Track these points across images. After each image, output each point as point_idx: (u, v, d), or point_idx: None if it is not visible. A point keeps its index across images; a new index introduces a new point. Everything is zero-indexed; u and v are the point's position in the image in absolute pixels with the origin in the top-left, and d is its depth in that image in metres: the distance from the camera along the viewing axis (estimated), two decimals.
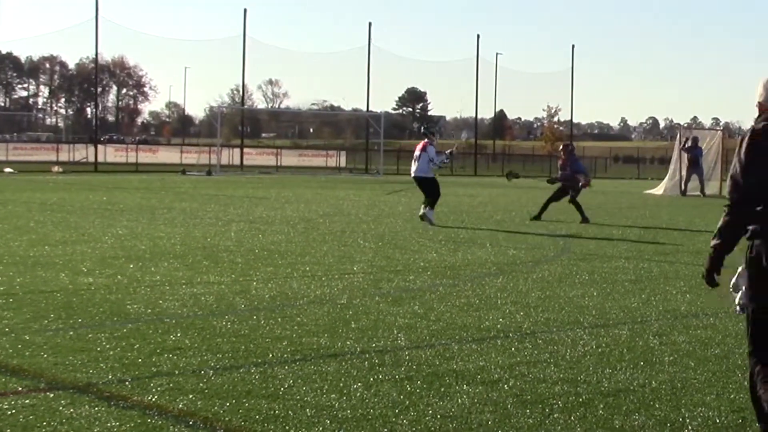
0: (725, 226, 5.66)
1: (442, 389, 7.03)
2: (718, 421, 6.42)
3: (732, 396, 7.04)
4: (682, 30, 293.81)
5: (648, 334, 9.29)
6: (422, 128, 25.56)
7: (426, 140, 22.67)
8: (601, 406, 6.69)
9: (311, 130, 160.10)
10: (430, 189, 21.91)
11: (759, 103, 5.74)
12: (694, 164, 39.94)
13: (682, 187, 40.00)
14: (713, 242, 5.78)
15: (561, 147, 26.02)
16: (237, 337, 8.63)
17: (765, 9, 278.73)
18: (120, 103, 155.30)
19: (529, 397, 6.89)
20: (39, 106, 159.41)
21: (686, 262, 15.30)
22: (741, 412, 6.62)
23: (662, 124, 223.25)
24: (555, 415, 6.43)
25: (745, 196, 5.51)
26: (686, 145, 40.50)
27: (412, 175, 22.51)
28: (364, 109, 71.53)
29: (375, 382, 7.17)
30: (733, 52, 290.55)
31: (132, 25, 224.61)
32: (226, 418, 6.16)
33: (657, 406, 6.74)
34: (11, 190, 31.32)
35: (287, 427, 6.02)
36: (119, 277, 12.08)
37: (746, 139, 5.53)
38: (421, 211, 21.63)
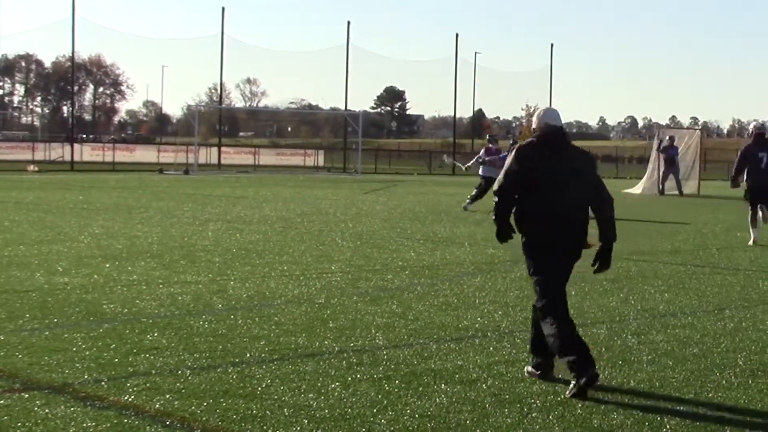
0: (497, 207, 7.64)
1: (420, 388, 7.01)
2: (696, 419, 6.42)
3: (710, 395, 7.05)
4: (662, 29, 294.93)
5: (626, 333, 9.30)
6: (489, 136, 29.24)
7: (492, 145, 28.19)
8: (580, 405, 6.69)
9: (289, 129, 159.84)
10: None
11: (532, 129, 7.87)
12: (670, 163, 39.95)
13: (660, 186, 40.02)
14: (493, 217, 7.70)
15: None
16: (214, 337, 8.59)
17: (744, 9, 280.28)
18: (97, 101, 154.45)
19: (507, 396, 6.88)
20: (15, 105, 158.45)
21: (664, 261, 15.33)
22: (719, 410, 6.64)
23: (641, 124, 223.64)
24: (533, 415, 6.43)
25: (508, 188, 7.54)
26: (661, 146, 40.57)
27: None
28: (343, 108, 71.38)
29: (353, 382, 7.15)
30: (713, 51, 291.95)
31: (109, 23, 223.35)
32: (204, 418, 6.14)
33: (635, 404, 6.74)
34: None
35: (265, 427, 5.99)
36: (95, 276, 12.01)
37: (514, 150, 7.65)
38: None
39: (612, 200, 7.64)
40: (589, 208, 7.61)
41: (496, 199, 7.65)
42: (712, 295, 11.82)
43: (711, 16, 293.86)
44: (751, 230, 18.59)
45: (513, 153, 7.65)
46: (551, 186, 7.46)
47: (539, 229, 7.50)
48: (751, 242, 18.42)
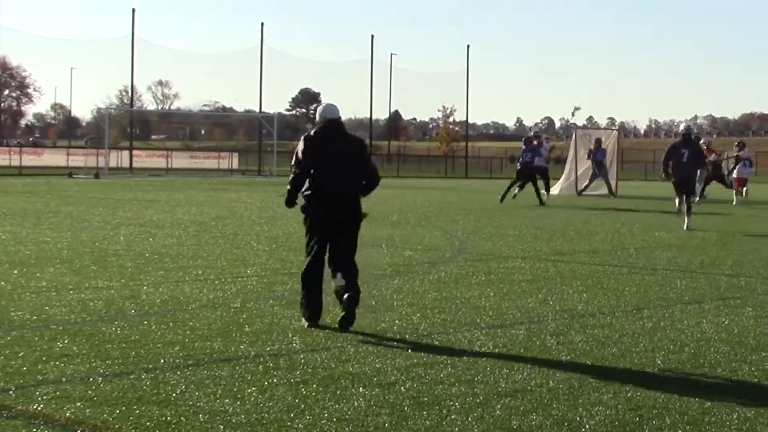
0: (293, 182, 9.66)
1: (338, 392, 6.94)
2: (615, 419, 6.42)
3: (629, 394, 7.06)
4: (577, 30, 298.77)
5: (545, 334, 9.30)
6: (535, 132, 34.88)
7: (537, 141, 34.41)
8: (499, 406, 6.65)
9: (203, 131, 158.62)
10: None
11: (316, 122, 9.76)
12: (599, 167, 39.82)
13: (579, 187, 40.14)
14: (288, 188, 9.76)
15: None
16: (127, 343, 8.42)
17: (658, 10, 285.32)
18: (2, 104, 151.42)
19: (426, 398, 6.82)
20: None
21: (582, 262, 15.43)
22: (638, 410, 6.64)
23: (558, 124, 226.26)
24: (452, 417, 6.38)
25: (302, 169, 9.51)
26: (590, 151, 40.04)
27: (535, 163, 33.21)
28: (257, 110, 71.24)
29: (270, 386, 7.05)
30: (629, 52, 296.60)
31: (15, 24, 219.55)
32: (116, 426, 5.99)
33: (554, 405, 6.72)
34: None
35: None
36: (2, 283, 11.70)
37: (302, 139, 9.57)
38: (546, 198, 32.88)
39: (378, 177, 9.87)
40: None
41: (293, 178, 9.63)
42: (630, 295, 11.91)
43: (625, 17, 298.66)
44: (677, 207, 23.98)
45: (301, 142, 9.57)
46: (330, 167, 9.43)
47: (319, 202, 9.44)
48: (676, 209, 24.29)
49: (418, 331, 9.36)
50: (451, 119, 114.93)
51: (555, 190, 41.98)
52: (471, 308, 10.67)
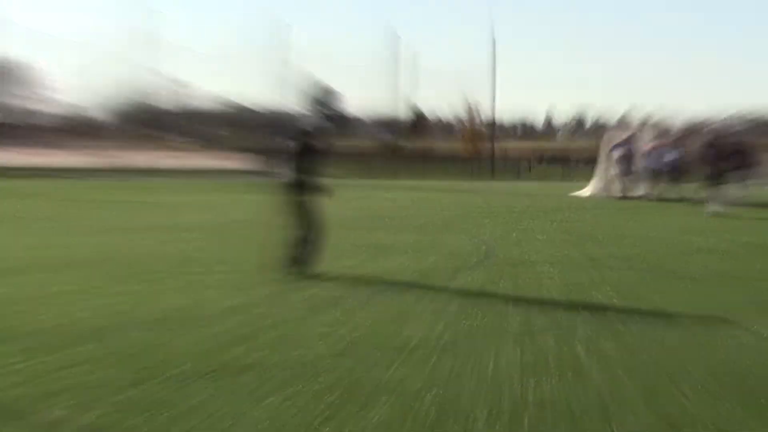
0: None
1: (363, 399, 6.89)
2: (647, 430, 6.35)
3: (661, 404, 6.98)
4: (605, 28, 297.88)
5: (574, 341, 9.19)
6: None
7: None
8: (527, 416, 6.61)
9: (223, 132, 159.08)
10: None
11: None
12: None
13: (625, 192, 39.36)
14: None
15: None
16: (152, 348, 8.43)
17: (685, 6, 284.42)
18: None
19: (451, 408, 6.78)
20: None
21: (613, 267, 15.27)
22: (672, 419, 6.56)
23: (588, 124, 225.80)
24: (478, 427, 6.33)
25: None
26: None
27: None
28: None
29: (293, 393, 7.03)
30: (658, 50, 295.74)
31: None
32: None
33: (584, 416, 6.66)
34: None
35: None
36: (28, 287, 11.75)
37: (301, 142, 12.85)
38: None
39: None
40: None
41: None
42: (662, 302, 11.77)
43: (654, 14, 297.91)
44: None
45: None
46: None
47: None
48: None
49: (442, 338, 9.29)
50: (476, 119, 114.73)
51: (586, 191, 41.62)
52: (497, 315, 10.58)
